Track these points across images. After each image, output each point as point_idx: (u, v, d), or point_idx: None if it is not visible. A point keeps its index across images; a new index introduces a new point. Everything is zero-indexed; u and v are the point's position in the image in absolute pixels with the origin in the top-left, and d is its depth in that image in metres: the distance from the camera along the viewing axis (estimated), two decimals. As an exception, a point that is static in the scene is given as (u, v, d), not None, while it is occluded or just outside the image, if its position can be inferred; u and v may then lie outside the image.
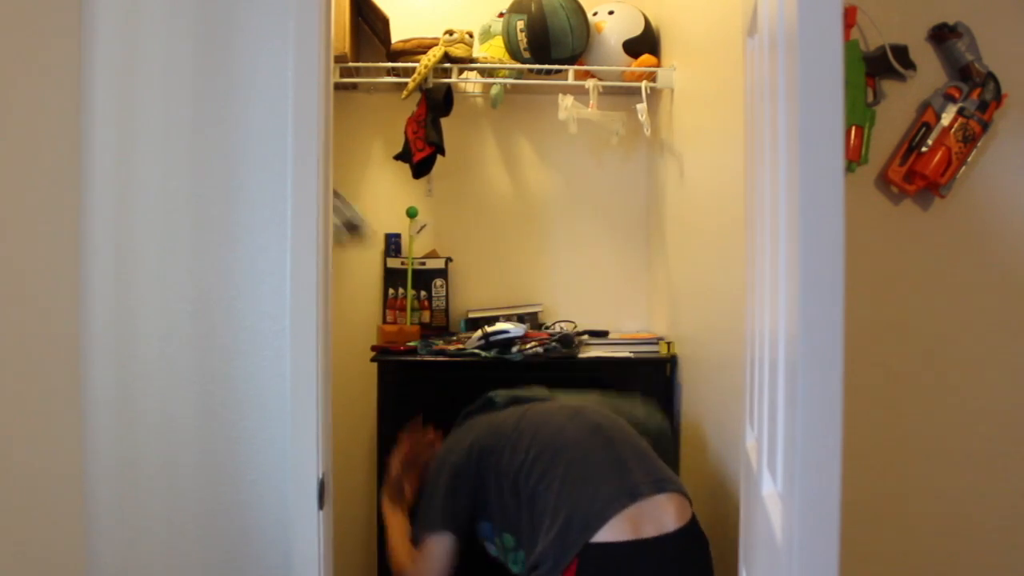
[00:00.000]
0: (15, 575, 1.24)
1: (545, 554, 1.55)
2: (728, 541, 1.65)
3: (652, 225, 2.76)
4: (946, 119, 1.62)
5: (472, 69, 2.59)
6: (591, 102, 2.52)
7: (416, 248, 2.72)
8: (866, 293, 1.65)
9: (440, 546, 1.76)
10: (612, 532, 1.51)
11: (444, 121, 2.55)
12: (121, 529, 1.36)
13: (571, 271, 2.82)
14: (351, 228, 2.58)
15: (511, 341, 2.39)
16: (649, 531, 1.52)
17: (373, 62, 2.59)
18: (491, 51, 2.62)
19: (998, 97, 1.62)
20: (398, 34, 2.62)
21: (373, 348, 2.51)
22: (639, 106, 2.44)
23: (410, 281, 2.66)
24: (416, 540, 1.82)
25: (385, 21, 2.57)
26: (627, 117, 2.58)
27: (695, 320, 2.23)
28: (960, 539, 1.69)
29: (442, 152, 2.54)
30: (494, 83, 2.64)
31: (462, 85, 2.72)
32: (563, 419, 1.77)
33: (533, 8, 2.49)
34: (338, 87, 2.55)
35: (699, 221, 2.17)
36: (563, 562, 1.51)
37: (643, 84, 2.50)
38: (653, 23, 2.63)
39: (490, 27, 2.66)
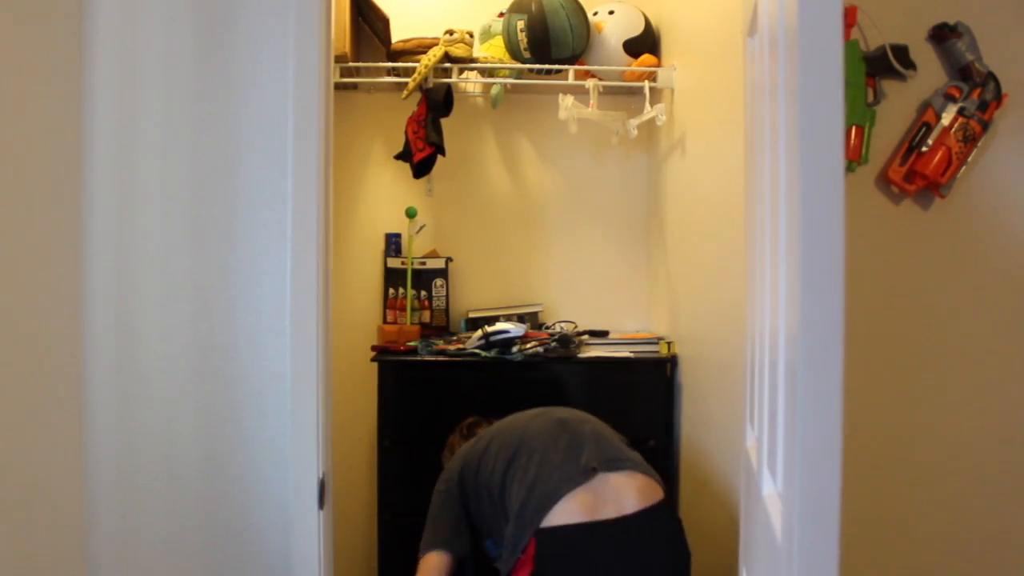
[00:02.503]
0: None
1: (507, 540, 1.57)
2: (728, 541, 1.65)
3: (652, 225, 2.76)
4: (946, 119, 1.62)
5: (472, 69, 2.60)
6: (591, 102, 2.52)
7: (416, 248, 2.72)
8: (866, 293, 1.65)
9: (428, 563, 1.75)
10: (567, 515, 1.49)
11: (444, 121, 2.55)
12: (121, 529, 1.36)
13: (571, 271, 2.82)
14: None
15: (511, 341, 2.39)
16: (607, 512, 1.50)
17: (373, 62, 2.59)
18: (491, 51, 2.62)
19: (998, 97, 1.62)
20: (398, 34, 2.62)
21: (373, 348, 2.51)
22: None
23: (410, 281, 2.66)
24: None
25: (385, 21, 2.57)
26: (626, 117, 2.58)
27: (695, 320, 2.22)
28: (960, 538, 1.68)
29: (442, 152, 2.54)
30: (494, 83, 2.64)
31: (462, 85, 2.72)
32: (527, 419, 1.79)
33: (533, 8, 2.49)
34: (338, 87, 2.55)
35: (699, 221, 2.17)
36: (520, 545, 1.52)
37: (645, 84, 2.50)
38: (653, 23, 2.63)
39: (490, 27, 2.66)
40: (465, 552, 1.79)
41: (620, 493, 1.54)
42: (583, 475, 1.55)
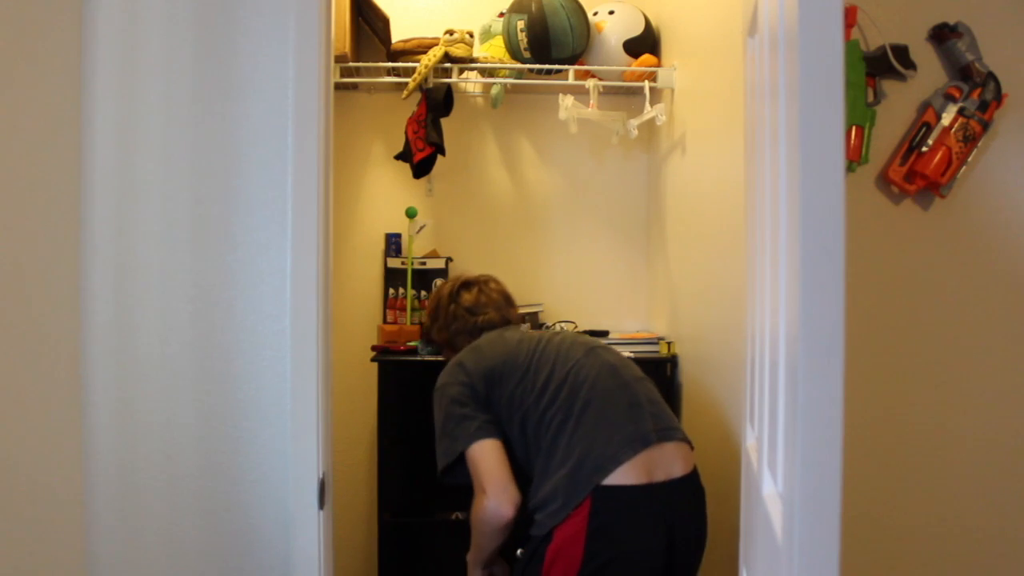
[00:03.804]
0: None
1: (555, 493, 1.58)
2: (728, 541, 1.65)
3: (652, 225, 2.76)
4: (946, 119, 1.62)
5: (472, 69, 2.59)
6: (591, 102, 2.52)
7: (416, 248, 2.72)
8: (866, 293, 1.65)
9: (488, 446, 1.68)
10: (624, 476, 1.56)
11: (444, 121, 2.55)
12: (121, 529, 1.36)
13: (571, 271, 2.82)
14: None
15: (511, 341, 2.39)
16: (659, 476, 1.59)
17: (373, 62, 2.59)
18: (491, 51, 2.62)
19: (998, 97, 1.62)
20: (398, 34, 2.62)
21: (373, 348, 2.51)
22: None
23: (410, 281, 2.66)
24: (447, 470, 1.74)
25: (385, 21, 2.57)
26: (626, 117, 2.58)
27: (695, 320, 2.22)
28: (961, 538, 1.68)
29: (442, 152, 2.54)
30: (494, 83, 2.64)
31: (462, 85, 2.72)
32: (580, 355, 1.75)
33: (533, 8, 2.49)
34: (338, 87, 2.55)
35: (699, 221, 2.17)
36: (574, 501, 1.55)
37: (645, 84, 2.50)
38: (653, 23, 2.63)
39: (490, 27, 2.66)
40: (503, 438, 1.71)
41: (670, 460, 1.62)
42: (643, 444, 1.59)
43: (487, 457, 1.68)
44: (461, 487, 1.76)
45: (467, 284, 2.05)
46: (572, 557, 1.54)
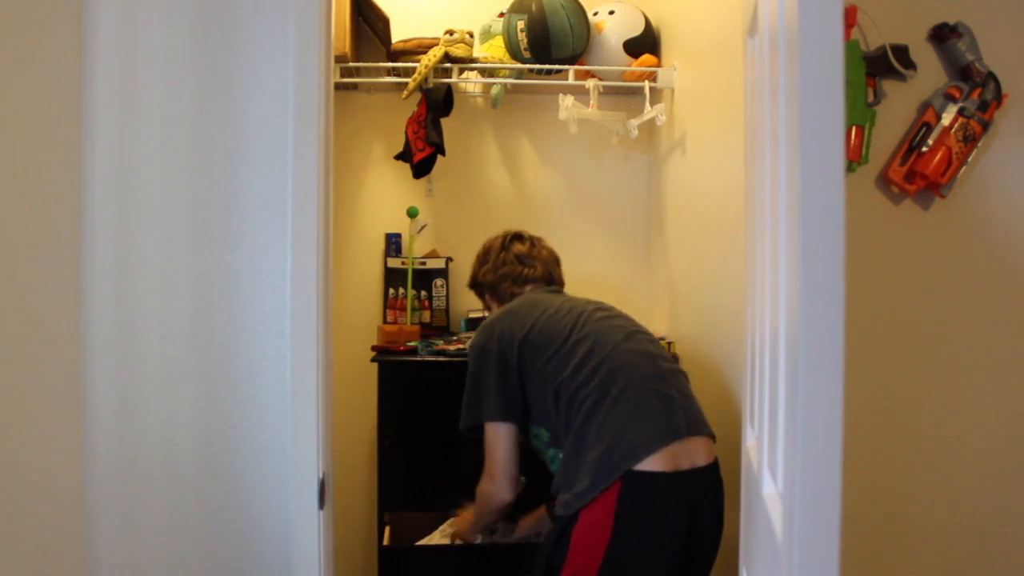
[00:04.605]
0: None
1: (584, 475, 1.61)
2: (728, 541, 1.65)
3: (652, 225, 2.76)
4: (947, 119, 1.62)
5: (472, 69, 2.59)
6: (591, 102, 2.52)
7: (416, 248, 2.72)
8: (866, 293, 1.65)
9: (504, 431, 1.81)
10: (653, 464, 1.59)
11: (444, 121, 2.55)
12: (121, 529, 1.36)
13: (571, 271, 2.80)
14: None
15: (511, 341, 2.39)
16: (684, 465, 1.61)
17: (373, 62, 2.59)
18: (491, 51, 2.61)
19: (998, 97, 1.62)
20: (398, 34, 2.62)
21: (373, 348, 2.50)
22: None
23: (410, 281, 2.66)
24: (467, 429, 1.86)
25: (385, 21, 2.57)
26: (626, 117, 2.58)
27: (695, 320, 2.22)
28: (961, 538, 1.68)
29: (442, 152, 2.54)
30: (494, 83, 2.64)
31: (462, 85, 2.72)
32: (620, 338, 1.78)
33: (533, 8, 2.49)
34: (338, 87, 2.55)
35: (699, 221, 2.17)
36: (602, 484, 1.58)
37: (645, 84, 2.50)
38: (653, 23, 2.63)
39: (490, 27, 2.66)
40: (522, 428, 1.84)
41: (696, 451, 1.64)
42: (673, 436, 1.62)
43: (502, 443, 1.81)
44: (463, 491, 1.86)
45: (519, 236, 2.16)
46: (599, 539, 1.57)
